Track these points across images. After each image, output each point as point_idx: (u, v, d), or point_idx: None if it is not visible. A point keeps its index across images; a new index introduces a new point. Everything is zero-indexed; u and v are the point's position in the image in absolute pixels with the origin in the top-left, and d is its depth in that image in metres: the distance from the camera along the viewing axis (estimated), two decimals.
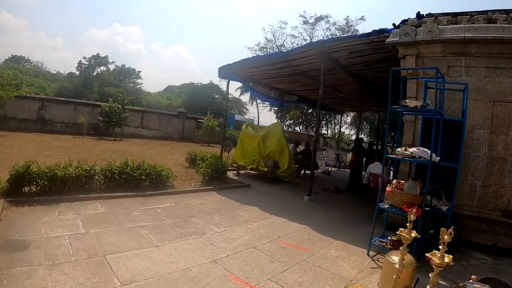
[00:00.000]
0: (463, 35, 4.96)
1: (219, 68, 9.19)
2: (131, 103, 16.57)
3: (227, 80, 9.74)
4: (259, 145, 9.47)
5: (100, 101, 16.46)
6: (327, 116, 26.63)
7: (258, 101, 36.68)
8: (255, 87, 12.79)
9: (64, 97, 16.21)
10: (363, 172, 9.69)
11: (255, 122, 24.31)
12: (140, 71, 38.24)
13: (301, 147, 12.61)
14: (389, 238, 4.36)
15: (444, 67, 5.25)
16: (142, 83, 39.27)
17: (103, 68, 34.65)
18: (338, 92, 10.85)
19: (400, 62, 5.75)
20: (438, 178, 4.43)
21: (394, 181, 4.52)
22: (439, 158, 4.24)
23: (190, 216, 4.90)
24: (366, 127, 31.60)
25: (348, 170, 11.23)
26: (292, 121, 37.91)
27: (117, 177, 5.71)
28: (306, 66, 8.13)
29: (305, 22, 25.05)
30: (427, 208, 4.16)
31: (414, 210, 3.23)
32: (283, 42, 25.85)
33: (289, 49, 24.08)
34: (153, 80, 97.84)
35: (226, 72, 9.30)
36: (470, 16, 5.34)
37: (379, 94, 10.70)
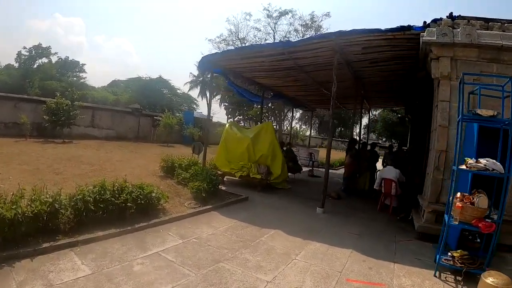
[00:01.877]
0: (501, 42, 4.66)
1: (202, 57, 7.91)
2: (80, 99, 13.96)
3: (209, 72, 8.49)
4: (249, 149, 8.35)
5: (41, 96, 13.55)
6: (276, 112, 26.21)
7: (218, 97, 35.38)
8: (235, 81, 11.57)
9: (1, 92, 12.79)
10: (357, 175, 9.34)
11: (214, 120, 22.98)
12: (85, 64, 34.47)
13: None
14: (450, 254, 3.98)
15: (476, 72, 4.87)
16: (86, 77, 35.20)
17: (44, 60, 30.73)
18: (324, 89, 10.25)
19: (422, 61, 5.55)
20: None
21: (459, 194, 3.96)
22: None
23: (216, 261, 3.65)
24: (315, 123, 32.38)
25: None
26: (241, 117, 36.95)
27: (92, 207, 4.09)
28: (311, 59, 7.29)
29: (269, 16, 24.08)
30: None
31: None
32: (246, 35, 24.55)
33: (253, 42, 23.27)
34: (97, 74, 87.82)
35: (209, 63, 8.00)
36: (501, 23, 5.11)
37: (372, 92, 10.44)
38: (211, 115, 13.42)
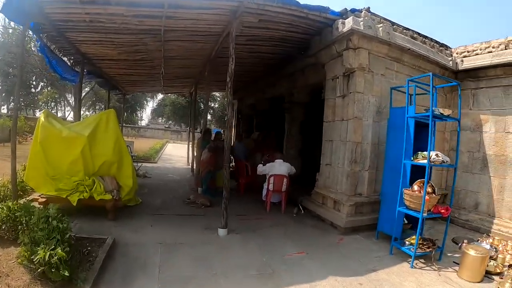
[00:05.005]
0: (408, 45, 5.32)
1: None
2: None
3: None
4: (85, 154, 4.89)
5: None
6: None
7: None
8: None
9: None
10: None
11: None
12: None
13: None
14: (407, 242, 4.21)
15: (382, 68, 5.37)
16: None
17: None
18: (181, 67, 8.01)
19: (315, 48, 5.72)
20: None
21: (417, 186, 4.05)
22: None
23: None
24: (100, 107, 27.15)
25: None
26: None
27: None
28: (190, 22, 5.07)
29: None
30: None
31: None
32: None
33: None
34: None
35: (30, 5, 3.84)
36: (404, 28, 5.77)
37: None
38: None
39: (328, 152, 5.89)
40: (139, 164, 10.34)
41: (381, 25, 5.00)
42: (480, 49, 5.51)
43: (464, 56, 5.81)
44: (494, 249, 4.21)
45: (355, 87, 5.12)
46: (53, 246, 2.67)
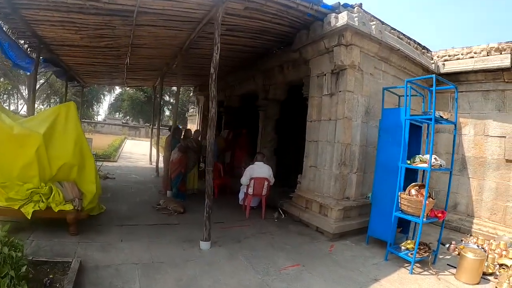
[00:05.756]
0: (398, 46, 5.22)
1: None
2: None
3: None
4: (40, 156, 3.99)
5: None
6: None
7: None
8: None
9: None
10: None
11: None
12: None
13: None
14: (403, 247, 4.08)
15: (371, 67, 5.25)
16: None
17: None
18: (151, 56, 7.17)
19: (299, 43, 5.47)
20: None
21: (414, 190, 3.94)
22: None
23: None
24: (55, 100, 24.63)
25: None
26: None
27: None
28: (169, 8, 4.47)
29: None
30: None
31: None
32: None
33: None
34: None
35: None
36: (391, 28, 5.68)
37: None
38: None
39: (312, 153, 5.61)
40: (100, 164, 9.22)
41: (373, 22, 4.82)
42: (462, 54, 5.64)
43: (445, 60, 5.93)
44: (482, 249, 4.27)
45: (346, 86, 4.89)
46: None
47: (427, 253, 3.93)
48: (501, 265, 3.93)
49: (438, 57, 6.14)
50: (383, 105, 4.67)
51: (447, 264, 4.04)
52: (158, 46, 6.62)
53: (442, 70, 5.86)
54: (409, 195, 3.97)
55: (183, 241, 4.23)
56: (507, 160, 5.15)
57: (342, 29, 4.60)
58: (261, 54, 7.33)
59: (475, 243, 4.64)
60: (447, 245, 4.56)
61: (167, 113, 36.04)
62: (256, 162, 6.00)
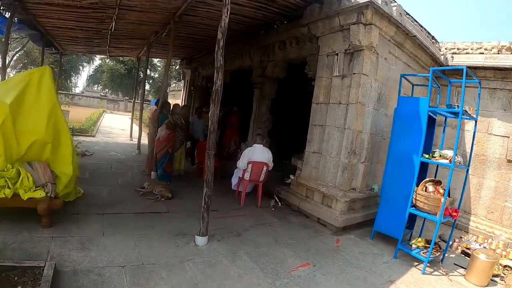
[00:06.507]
0: (414, 32, 4.89)
1: None
2: None
3: None
4: (6, 131, 3.24)
5: None
6: None
7: None
8: None
9: None
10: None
11: None
12: None
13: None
14: (414, 245, 3.93)
15: (386, 51, 4.91)
16: None
17: None
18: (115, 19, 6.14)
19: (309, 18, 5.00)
20: None
21: (431, 187, 3.73)
22: None
23: None
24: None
25: None
26: None
27: None
28: None
29: None
30: None
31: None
32: None
33: None
34: None
35: None
36: (406, 13, 5.22)
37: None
38: None
39: (316, 138, 5.21)
40: (78, 141, 8.29)
41: (394, 3, 4.38)
42: (472, 49, 5.47)
43: (454, 53, 5.73)
44: (492, 251, 4.20)
45: (362, 68, 4.47)
46: None
47: (439, 253, 3.79)
48: (504, 266, 3.88)
49: (446, 49, 5.90)
50: (400, 92, 4.33)
51: (454, 264, 3.93)
52: (150, 10, 5.74)
53: (451, 63, 5.67)
54: (425, 191, 3.73)
55: (175, 234, 3.72)
56: (509, 161, 5.12)
57: (363, 6, 4.12)
58: (258, 28, 6.67)
59: (476, 241, 4.60)
60: (450, 243, 4.45)
61: (147, 87, 34.20)
62: (255, 144, 5.49)
